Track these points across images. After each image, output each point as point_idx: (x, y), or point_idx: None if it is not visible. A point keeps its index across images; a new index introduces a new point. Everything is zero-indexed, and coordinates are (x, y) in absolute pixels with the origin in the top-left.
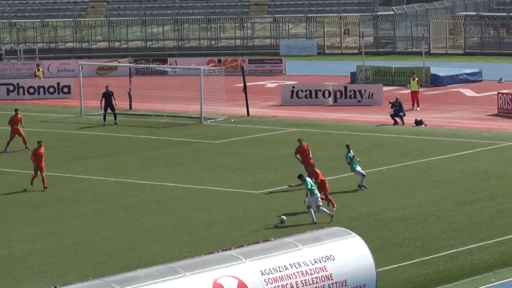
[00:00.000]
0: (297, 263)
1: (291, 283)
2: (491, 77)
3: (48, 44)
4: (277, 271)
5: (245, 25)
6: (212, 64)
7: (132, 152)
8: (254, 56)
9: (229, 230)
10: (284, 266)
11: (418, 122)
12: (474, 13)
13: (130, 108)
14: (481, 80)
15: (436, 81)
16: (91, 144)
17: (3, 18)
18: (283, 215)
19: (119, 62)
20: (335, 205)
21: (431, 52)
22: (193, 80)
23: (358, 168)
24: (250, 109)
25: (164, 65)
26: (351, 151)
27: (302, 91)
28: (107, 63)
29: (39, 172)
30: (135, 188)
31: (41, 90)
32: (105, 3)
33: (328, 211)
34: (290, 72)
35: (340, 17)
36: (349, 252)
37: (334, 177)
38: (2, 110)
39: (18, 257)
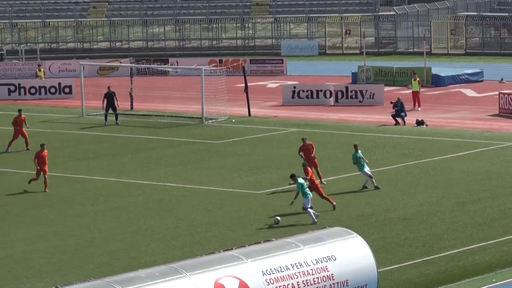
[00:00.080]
0: (299, 263)
1: (292, 283)
2: (492, 77)
3: (50, 44)
4: (279, 271)
5: (247, 25)
6: (213, 64)
7: (133, 152)
8: (255, 56)
9: (230, 230)
10: (286, 266)
11: (420, 122)
12: (476, 13)
13: (131, 108)
14: (482, 80)
15: (437, 81)
16: (92, 144)
17: (4, 18)
18: (278, 215)
19: (121, 62)
20: (333, 203)
21: (432, 52)
22: (194, 80)
23: (366, 169)
24: (251, 109)
25: (166, 65)
26: (359, 151)
27: (303, 91)
28: (108, 63)
29: (41, 175)
30: (136, 188)
31: (43, 90)
32: (106, 3)
33: (314, 218)
34: (291, 72)
35: (342, 17)
36: (351, 252)
37: (336, 177)
38: (4, 111)
39: (20, 257)
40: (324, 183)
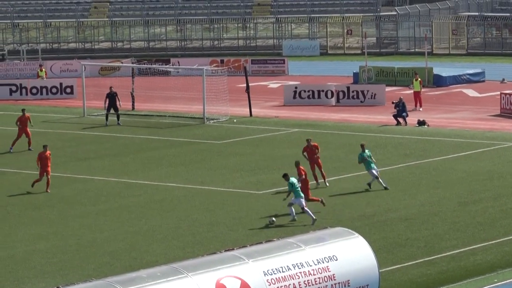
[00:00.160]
0: (300, 263)
1: (293, 284)
2: (494, 77)
3: (51, 44)
4: (280, 272)
5: (248, 25)
6: (214, 65)
7: (134, 152)
8: (256, 57)
9: (232, 230)
10: (287, 266)
11: (421, 123)
12: (477, 14)
13: (133, 108)
14: (484, 81)
15: (438, 81)
16: (93, 145)
17: (5, 19)
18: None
19: (122, 63)
20: (320, 200)
21: (433, 52)
22: (195, 80)
23: (373, 170)
24: (252, 110)
25: (167, 66)
26: (366, 150)
27: (304, 91)
28: (110, 64)
29: (44, 176)
30: (137, 188)
31: (44, 90)
32: (108, 4)
33: (313, 215)
34: (292, 73)
35: (343, 17)
36: (352, 252)
37: (337, 177)
38: (5, 111)
39: (21, 258)
40: (327, 184)
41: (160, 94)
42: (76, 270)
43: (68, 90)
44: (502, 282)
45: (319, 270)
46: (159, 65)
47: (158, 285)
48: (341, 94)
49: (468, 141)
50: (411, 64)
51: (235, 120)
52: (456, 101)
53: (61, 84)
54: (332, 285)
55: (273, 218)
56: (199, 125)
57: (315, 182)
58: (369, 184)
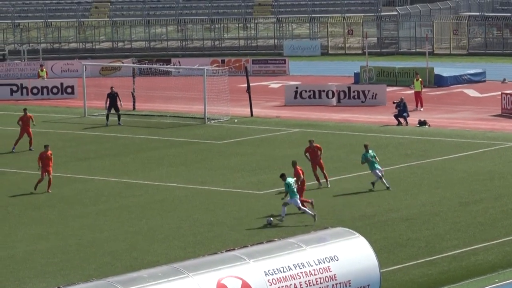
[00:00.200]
0: (301, 263)
1: (294, 284)
2: (495, 77)
3: (52, 44)
4: (281, 272)
5: (249, 25)
6: (215, 65)
7: (135, 152)
8: (257, 57)
9: (232, 230)
10: (288, 266)
11: (422, 123)
12: (478, 14)
13: (134, 108)
14: (484, 81)
15: (439, 81)
16: (94, 145)
17: (6, 19)
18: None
19: (123, 63)
20: (310, 201)
21: (434, 52)
22: (196, 80)
23: (377, 170)
24: (253, 110)
25: (168, 66)
26: (370, 150)
27: (305, 91)
28: (110, 64)
29: (46, 175)
30: (138, 188)
31: (45, 90)
32: (109, 4)
33: (311, 212)
34: (293, 73)
35: (344, 17)
36: (353, 252)
37: (338, 177)
38: (6, 111)
39: (22, 258)
40: (329, 185)
41: (160, 94)
42: (76, 270)
43: (69, 90)
44: (503, 282)
45: (320, 270)
46: (160, 65)
47: (159, 285)
48: (342, 94)
49: (469, 141)
50: (412, 64)
51: (236, 120)
52: (457, 101)
53: (62, 84)
54: (333, 285)
55: (271, 218)
56: (200, 125)
57: (317, 182)
58: (373, 184)
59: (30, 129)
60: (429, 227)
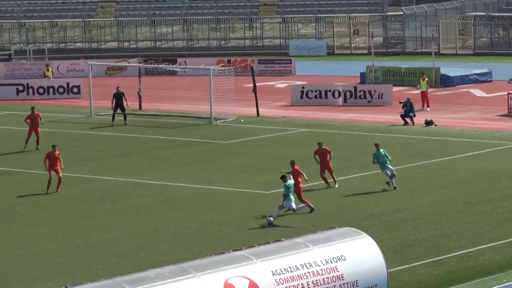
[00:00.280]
0: (308, 263)
1: (302, 284)
2: (501, 77)
3: (58, 44)
4: (288, 272)
5: (255, 25)
6: (221, 64)
7: (142, 152)
8: (263, 57)
9: (240, 230)
10: (295, 266)
11: (428, 123)
12: (484, 13)
13: (140, 108)
14: (491, 81)
15: (446, 81)
16: (101, 144)
17: (12, 18)
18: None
19: (129, 62)
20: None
21: (440, 52)
22: (202, 80)
23: (387, 170)
24: (260, 109)
25: (174, 65)
26: (381, 150)
27: (312, 91)
28: (116, 63)
29: (54, 174)
30: (145, 188)
31: (51, 90)
32: (114, 3)
33: (302, 205)
34: (299, 73)
35: (350, 17)
36: (360, 252)
37: (345, 177)
38: (12, 110)
39: (29, 257)
40: (336, 186)
41: (167, 94)
42: (84, 270)
43: (75, 90)
44: (511, 282)
45: (328, 270)
46: (166, 65)
47: (166, 285)
48: (348, 94)
49: (475, 141)
50: (418, 64)
51: (242, 120)
52: (464, 101)
53: (68, 84)
54: (340, 285)
55: (271, 218)
56: (207, 125)
57: (324, 183)
58: (387, 183)
59: (39, 128)
60: (436, 227)
